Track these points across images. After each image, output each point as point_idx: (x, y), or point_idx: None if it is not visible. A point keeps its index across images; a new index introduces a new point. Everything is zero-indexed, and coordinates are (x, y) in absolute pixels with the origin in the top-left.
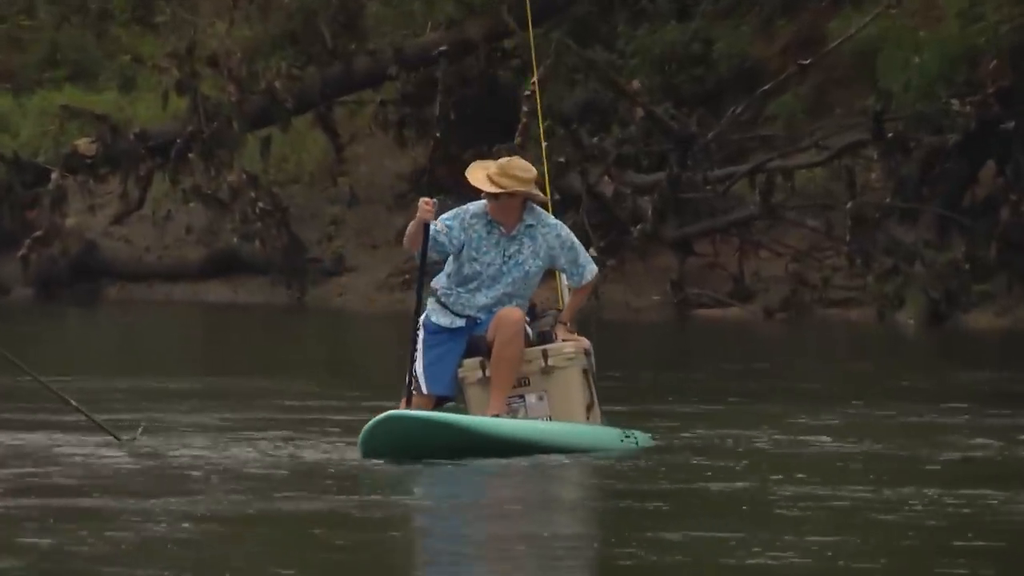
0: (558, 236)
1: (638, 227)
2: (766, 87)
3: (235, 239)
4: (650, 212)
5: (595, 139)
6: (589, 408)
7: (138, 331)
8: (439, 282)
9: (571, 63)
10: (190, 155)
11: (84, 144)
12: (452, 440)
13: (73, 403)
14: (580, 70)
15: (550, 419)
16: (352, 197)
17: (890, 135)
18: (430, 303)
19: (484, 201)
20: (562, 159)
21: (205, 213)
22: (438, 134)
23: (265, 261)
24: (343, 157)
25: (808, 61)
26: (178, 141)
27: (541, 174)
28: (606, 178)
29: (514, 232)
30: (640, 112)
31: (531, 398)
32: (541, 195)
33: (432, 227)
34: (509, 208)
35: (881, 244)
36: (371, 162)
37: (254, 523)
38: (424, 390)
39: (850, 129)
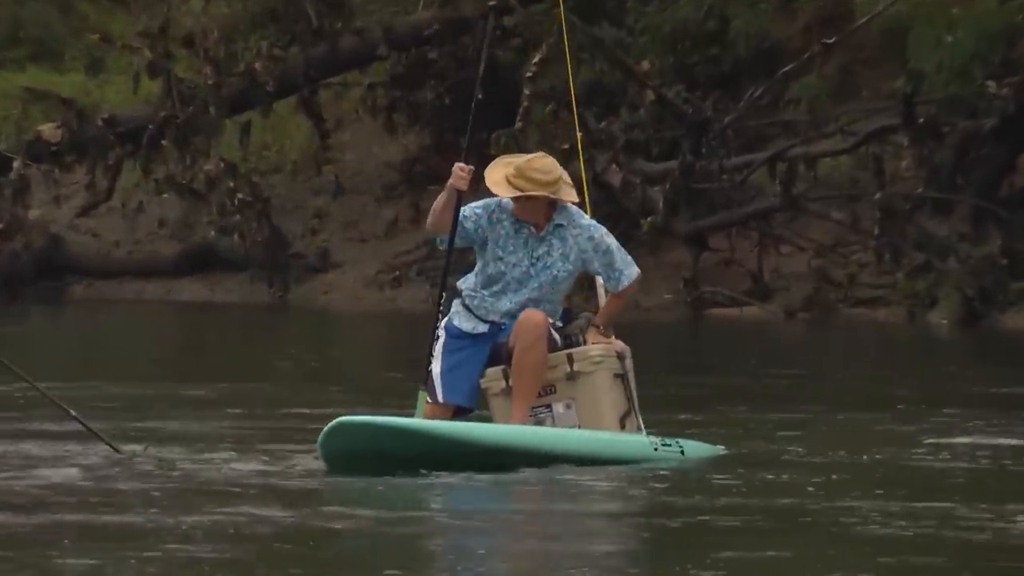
0: (591, 238)
1: (648, 220)
2: (787, 68)
3: (212, 233)
4: (661, 203)
5: (602, 124)
6: (625, 416)
7: (106, 333)
8: (466, 282)
9: (576, 41)
10: (163, 142)
11: (48, 130)
12: (418, 448)
13: (72, 413)
14: (586, 49)
15: (579, 429)
16: (338, 187)
17: (921, 120)
18: (455, 305)
19: None
20: (566, 145)
21: (179, 205)
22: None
23: (244, 257)
24: (328, 144)
25: (833, 40)
26: (150, 127)
27: (572, 172)
28: (613, 166)
29: (543, 233)
30: (650, 95)
31: (558, 407)
32: (567, 198)
33: (461, 210)
34: (532, 209)
35: (912, 238)
36: (358, 150)
37: (299, 540)
38: (440, 399)
39: (878, 113)
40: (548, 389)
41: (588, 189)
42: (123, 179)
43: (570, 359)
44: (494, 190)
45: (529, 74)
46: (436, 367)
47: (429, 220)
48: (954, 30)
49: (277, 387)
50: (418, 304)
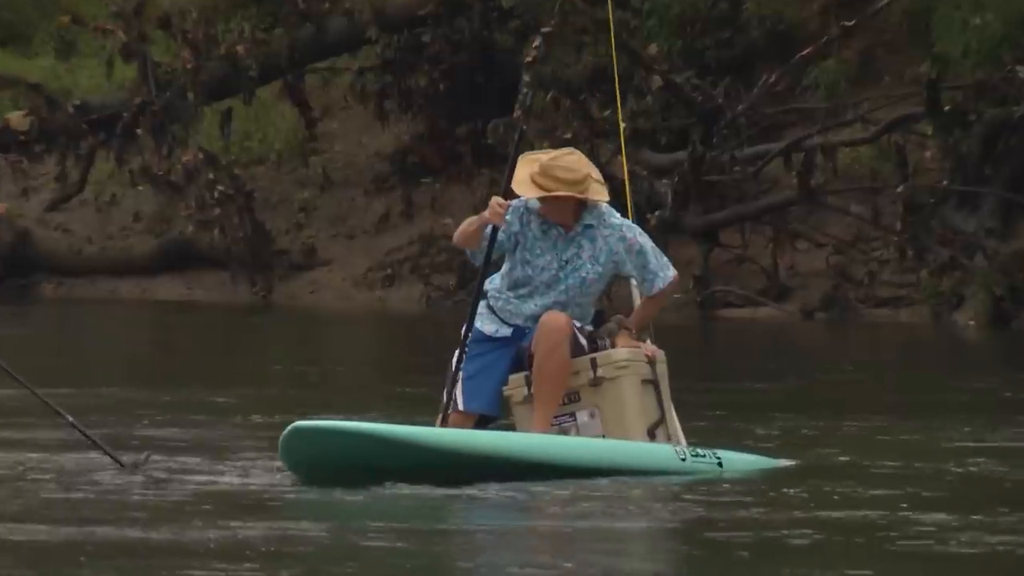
0: (622, 239)
1: (655, 214)
2: (804, 52)
3: (190, 228)
4: (669, 197)
5: (606, 112)
6: (656, 426)
7: (78, 334)
8: (492, 283)
9: (578, 24)
10: (138, 131)
11: (16, 118)
12: (381, 455)
13: (70, 419)
14: (588, 32)
15: (603, 439)
16: (325, 180)
17: (947, 107)
18: (480, 307)
19: None
20: (568, 135)
21: (155, 198)
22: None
23: (225, 253)
24: (315, 134)
25: (852, 22)
26: (124, 115)
27: (606, 175)
28: (619, 156)
29: (572, 233)
30: (658, 81)
31: (582, 415)
32: (596, 197)
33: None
34: (559, 209)
35: (936, 233)
36: (347, 139)
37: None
38: (460, 406)
39: (901, 101)
40: (572, 396)
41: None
42: (95, 170)
43: (594, 364)
44: (518, 190)
45: (528, 59)
46: (457, 373)
47: (457, 237)
48: (982, 12)
49: (260, 392)
50: (411, 305)
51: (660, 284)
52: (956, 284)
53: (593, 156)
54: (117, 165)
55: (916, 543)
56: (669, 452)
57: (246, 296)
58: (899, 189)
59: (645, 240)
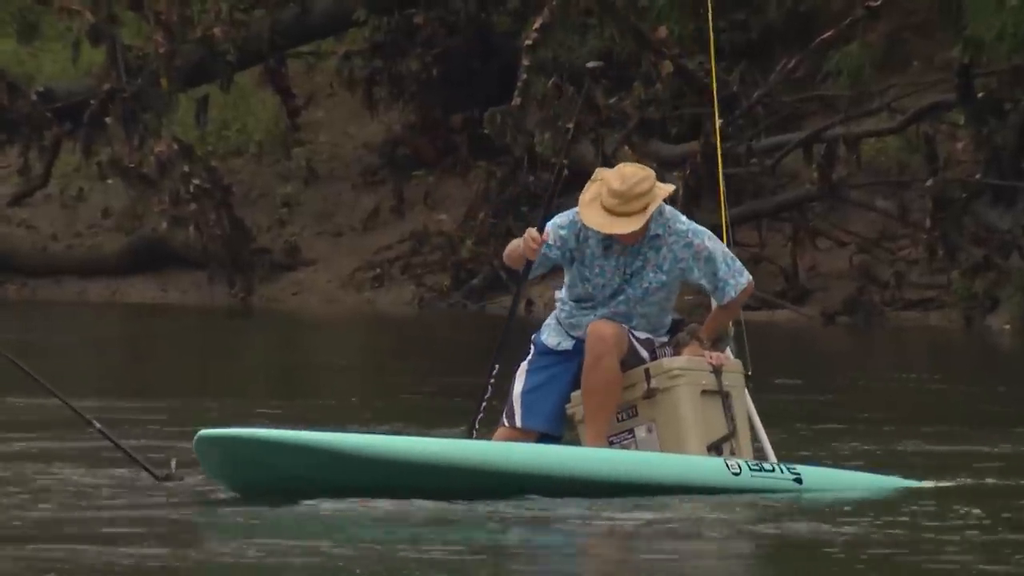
0: (688, 245)
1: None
2: (825, 35)
3: (164, 225)
4: (680, 191)
5: (612, 100)
6: (723, 440)
7: (43, 339)
8: (560, 292)
9: (582, 5)
10: (107, 120)
11: None
12: (306, 464)
13: (96, 425)
14: (593, 14)
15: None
16: (309, 173)
17: (980, 95)
18: (550, 317)
19: None
20: (571, 124)
21: (126, 192)
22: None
23: (201, 252)
24: (298, 123)
25: (878, 3)
26: (92, 102)
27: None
28: (626, 148)
29: (637, 245)
30: (668, 67)
31: (640, 431)
32: (668, 189)
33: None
34: (640, 232)
35: (969, 231)
36: (333, 129)
37: None
38: (517, 423)
39: (930, 88)
40: (629, 411)
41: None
42: (61, 162)
43: (648, 375)
44: (605, 230)
45: (529, 42)
46: (517, 386)
47: (504, 257)
48: None
49: (238, 403)
50: (401, 307)
51: (731, 293)
52: (990, 286)
53: (598, 147)
54: (84, 157)
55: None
56: (717, 466)
57: (224, 298)
58: (928, 183)
59: (714, 245)
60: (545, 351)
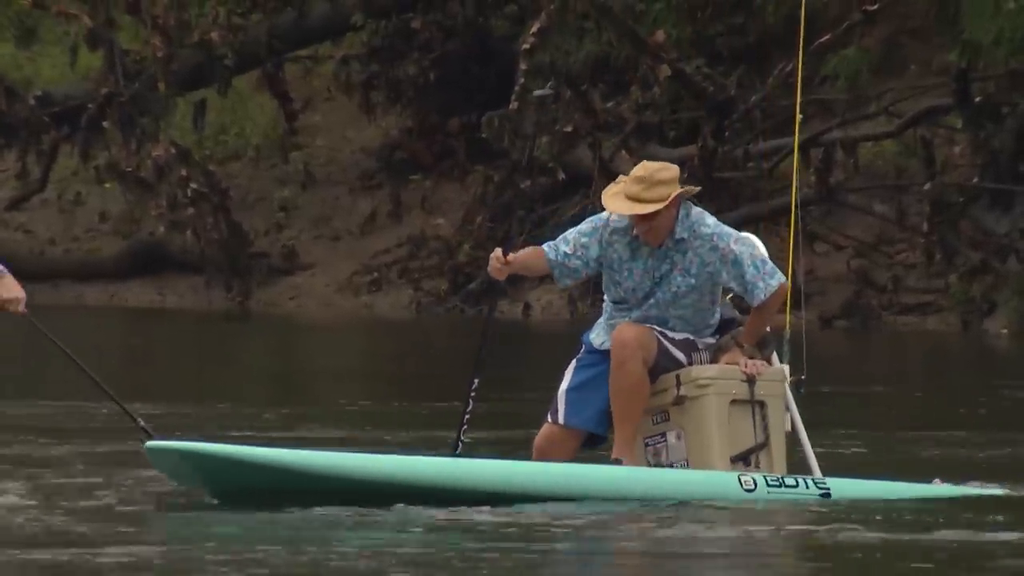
0: (714, 249)
1: None
2: (823, 39)
3: (161, 229)
4: None
5: (609, 104)
6: (753, 451)
7: (40, 344)
8: (608, 292)
9: (580, 9)
10: (105, 124)
11: None
12: (237, 477)
13: (140, 422)
14: (591, 18)
15: (686, 464)
16: (307, 177)
17: (977, 99)
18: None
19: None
20: (569, 128)
21: (123, 196)
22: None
23: (199, 256)
24: (296, 127)
25: (875, 6)
26: (90, 107)
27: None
28: (623, 152)
29: (664, 247)
30: (666, 71)
31: (671, 437)
32: (692, 189)
33: (554, 250)
34: (662, 224)
35: (966, 235)
36: (330, 133)
37: None
38: (560, 419)
39: (928, 92)
40: (662, 416)
41: (595, 177)
42: (59, 167)
43: (678, 381)
44: (621, 211)
45: (526, 46)
46: (564, 383)
47: (516, 265)
48: None
49: (234, 409)
50: (398, 311)
51: (761, 295)
52: (987, 290)
53: (595, 151)
54: (82, 161)
55: None
56: (726, 481)
57: (222, 302)
58: (926, 187)
59: (741, 247)
60: (591, 350)
